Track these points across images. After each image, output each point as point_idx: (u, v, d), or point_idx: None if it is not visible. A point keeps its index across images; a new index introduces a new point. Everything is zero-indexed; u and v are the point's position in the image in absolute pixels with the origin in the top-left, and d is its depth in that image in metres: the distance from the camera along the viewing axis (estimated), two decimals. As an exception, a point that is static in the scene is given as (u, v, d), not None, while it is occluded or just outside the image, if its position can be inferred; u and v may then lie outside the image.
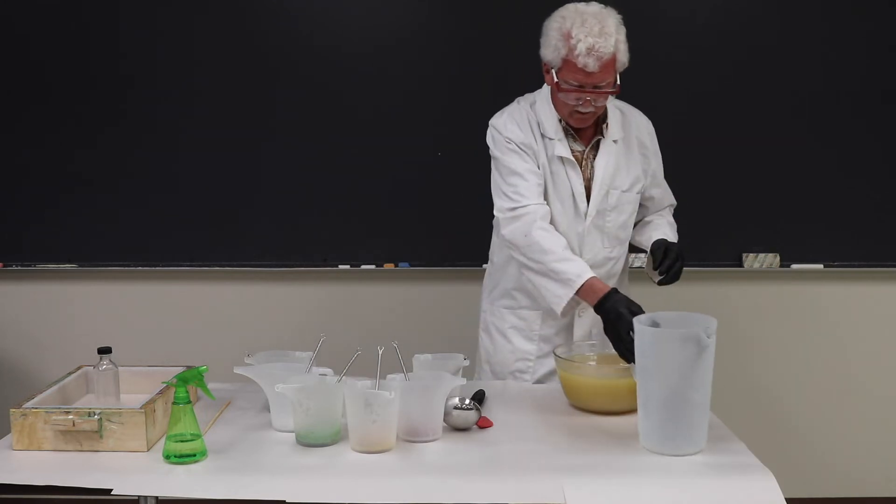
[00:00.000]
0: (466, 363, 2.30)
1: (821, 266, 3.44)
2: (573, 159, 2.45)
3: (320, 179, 3.40)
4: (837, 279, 3.51)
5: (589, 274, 2.30)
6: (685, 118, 3.36)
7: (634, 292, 2.49)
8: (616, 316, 2.20)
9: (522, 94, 2.56)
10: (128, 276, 3.53)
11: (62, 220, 3.45)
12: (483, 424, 2.17)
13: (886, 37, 3.34)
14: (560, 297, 2.33)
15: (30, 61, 3.37)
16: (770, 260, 3.43)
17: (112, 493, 1.84)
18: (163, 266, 3.47)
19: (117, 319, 3.54)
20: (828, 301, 3.54)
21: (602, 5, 2.36)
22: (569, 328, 2.54)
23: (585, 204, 2.46)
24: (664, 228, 2.55)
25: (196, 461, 1.95)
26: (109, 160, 3.41)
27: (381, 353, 2.08)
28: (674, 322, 2.02)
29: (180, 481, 1.88)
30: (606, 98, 2.37)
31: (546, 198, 2.44)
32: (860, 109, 3.37)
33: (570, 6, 2.36)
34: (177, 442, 1.94)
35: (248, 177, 3.41)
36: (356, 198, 3.41)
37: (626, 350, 2.16)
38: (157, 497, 2.03)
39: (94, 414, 1.99)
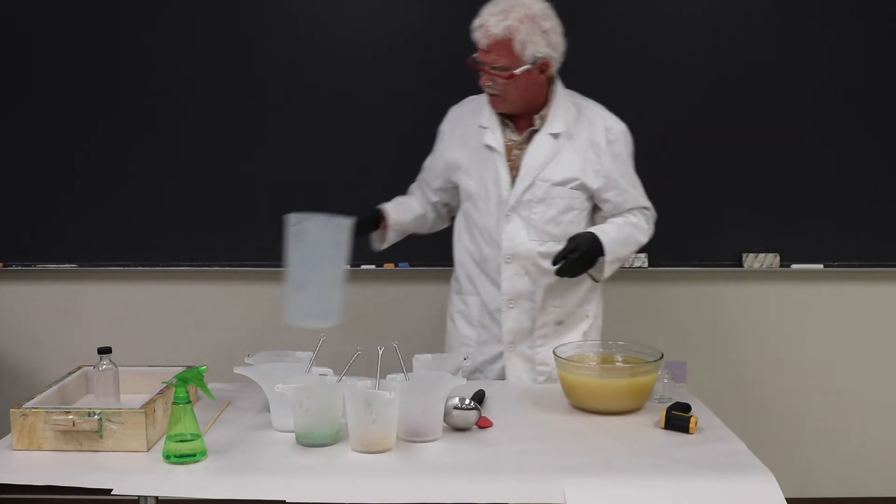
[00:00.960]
0: (467, 363, 2.30)
1: (821, 266, 3.44)
2: (499, 148, 2.50)
3: (320, 179, 3.39)
4: (837, 279, 3.51)
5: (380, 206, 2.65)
6: (685, 118, 3.36)
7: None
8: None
9: None
10: (128, 276, 3.53)
11: (62, 220, 3.44)
12: (483, 424, 2.17)
13: (886, 36, 3.34)
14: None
15: (30, 61, 3.37)
16: (770, 260, 3.43)
17: (112, 493, 1.84)
18: (163, 266, 3.47)
19: (117, 319, 3.54)
20: (828, 301, 3.54)
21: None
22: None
23: (508, 192, 2.49)
24: (605, 225, 2.53)
25: (196, 461, 1.95)
26: (109, 160, 3.41)
27: (381, 353, 2.08)
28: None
29: (180, 481, 1.88)
30: (504, 83, 2.41)
31: (473, 182, 2.56)
32: (860, 109, 3.36)
33: None
34: (177, 442, 1.94)
35: (249, 177, 3.41)
36: (356, 198, 3.40)
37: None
38: (157, 497, 2.02)
39: (94, 414, 1.99)
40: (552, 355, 2.35)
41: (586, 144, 2.51)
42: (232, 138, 3.39)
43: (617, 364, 2.38)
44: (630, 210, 2.58)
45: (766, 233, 3.42)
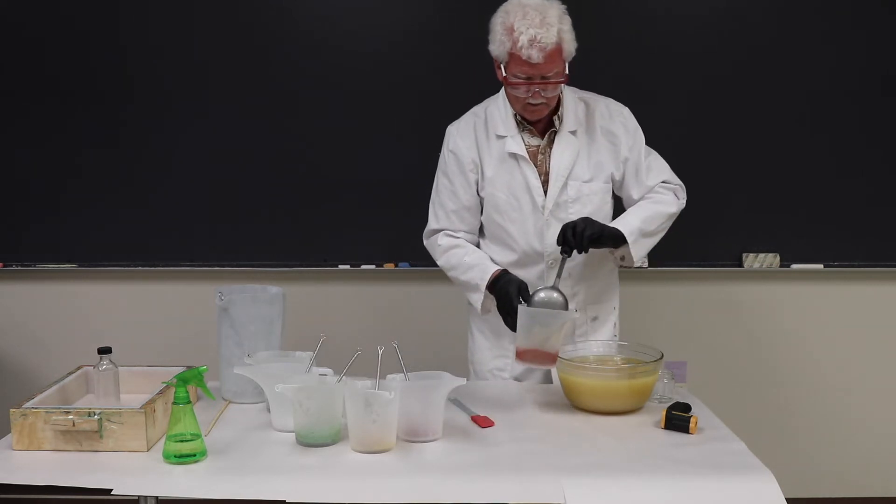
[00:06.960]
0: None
1: (821, 266, 3.44)
2: (525, 154, 2.47)
3: (320, 179, 3.39)
4: (837, 279, 3.51)
5: (489, 274, 2.44)
6: (685, 117, 3.36)
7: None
8: (504, 294, 2.36)
9: None
10: (128, 276, 3.53)
11: (62, 220, 3.44)
12: (483, 424, 2.17)
13: (887, 36, 3.34)
14: (475, 300, 2.49)
15: (31, 62, 3.37)
16: (770, 260, 3.43)
17: (112, 493, 1.84)
18: (163, 266, 3.47)
19: (117, 319, 3.54)
20: (828, 301, 3.54)
21: None
22: None
23: (542, 197, 2.47)
24: (633, 212, 2.46)
25: (196, 461, 1.95)
26: (109, 160, 3.41)
27: (381, 353, 2.08)
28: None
29: (180, 481, 1.88)
30: (556, 88, 2.38)
31: (500, 193, 2.49)
32: (860, 109, 3.36)
33: (514, 0, 2.37)
34: (177, 442, 1.94)
35: (248, 177, 3.41)
36: (356, 198, 3.41)
37: (513, 323, 2.31)
38: (157, 497, 2.02)
39: (94, 414, 1.99)
40: None
41: (602, 135, 2.49)
42: (231, 138, 3.39)
43: (617, 364, 2.38)
44: (656, 185, 2.53)
45: (766, 233, 3.42)
